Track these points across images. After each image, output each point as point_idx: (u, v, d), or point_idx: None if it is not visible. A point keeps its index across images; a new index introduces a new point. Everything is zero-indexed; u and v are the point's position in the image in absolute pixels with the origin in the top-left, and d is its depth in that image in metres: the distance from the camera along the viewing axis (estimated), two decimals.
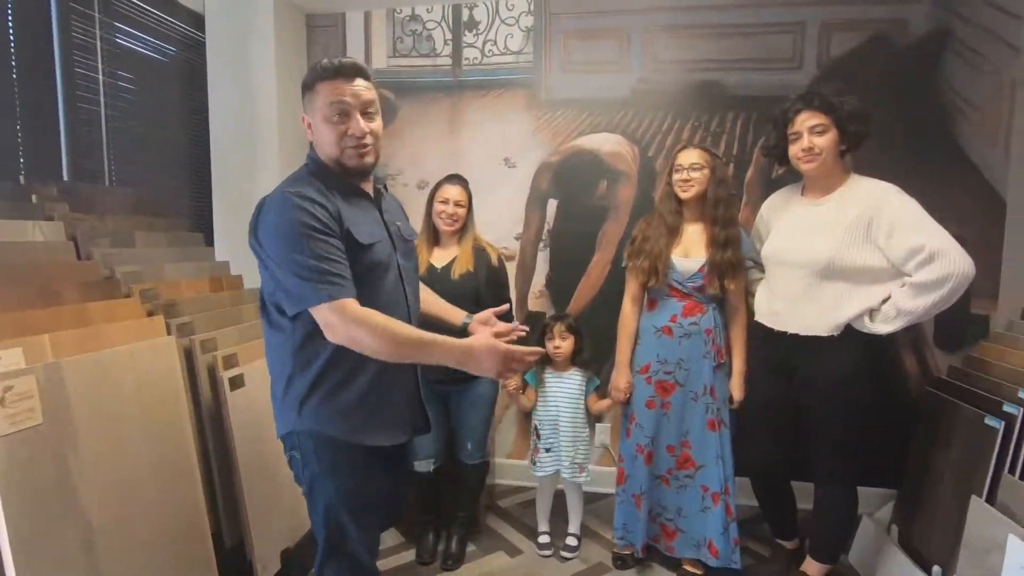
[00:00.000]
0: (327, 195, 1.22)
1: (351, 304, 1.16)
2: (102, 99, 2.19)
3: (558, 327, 2.15)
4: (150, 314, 1.76)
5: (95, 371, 1.47)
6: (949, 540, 1.71)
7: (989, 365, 1.90)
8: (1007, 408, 1.65)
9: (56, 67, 2.02)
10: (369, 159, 1.27)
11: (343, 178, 1.29)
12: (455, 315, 1.56)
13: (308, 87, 1.25)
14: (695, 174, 1.89)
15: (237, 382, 1.85)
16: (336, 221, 1.20)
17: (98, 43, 2.17)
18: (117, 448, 1.51)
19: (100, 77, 2.18)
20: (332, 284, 1.15)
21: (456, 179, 2.11)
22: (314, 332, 1.21)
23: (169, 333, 1.76)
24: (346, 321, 1.15)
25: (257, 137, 2.63)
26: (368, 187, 1.35)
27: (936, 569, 1.74)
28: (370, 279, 1.25)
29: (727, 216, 1.90)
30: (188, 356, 1.81)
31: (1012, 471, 1.58)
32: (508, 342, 1.31)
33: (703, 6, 2.52)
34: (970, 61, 2.35)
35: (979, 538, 1.43)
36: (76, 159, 2.09)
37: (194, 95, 2.65)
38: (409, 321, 1.32)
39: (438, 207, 2.07)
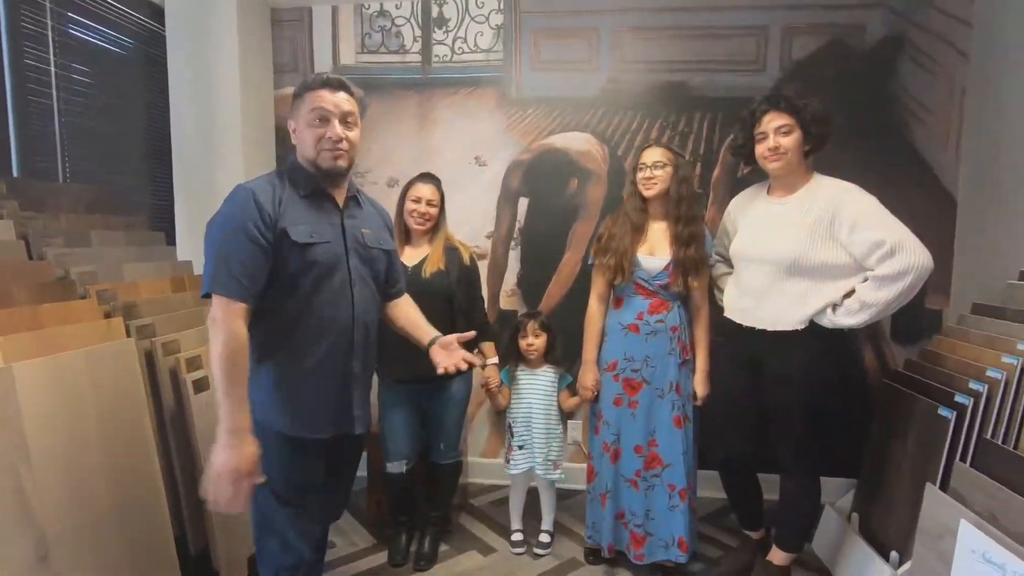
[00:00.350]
0: (277, 190, 1.32)
1: (237, 308, 1.24)
2: (55, 92, 2.10)
3: (531, 324, 2.16)
4: (108, 316, 1.70)
5: (49, 375, 1.42)
6: (906, 526, 1.77)
7: (942, 358, 1.97)
8: (959, 399, 1.72)
9: (4, 58, 1.93)
10: (342, 163, 1.36)
11: (313, 180, 1.37)
12: (423, 334, 1.56)
13: (297, 96, 1.37)
14: (658, 172, 1.91)
15: (201, 385, 1.80)
16: (270, 226, 1.27)
17: (50, 34, 2.08)
18: (74, 455, 1.45)
19: (52, 69, 2.09)
20: (227, 284, 1.23)
21: (428, 178, 2.09)
22: (251, 323, 1.28)
23: (129, 335, 1.71)
24: (223, 320, 1.23)
25: (219, 134, 2.56)
26: (339, 193, 1.42)
27: (893, 554, 1.80)
28: (309, 277, 1.33)
29: (690, 214, 1.93)
30: (149, 359, 1.75)
31: (964, 459, 1.66)
32: (457, 368, 1.46)
33: (671, 8, 2.56)
34: (924, 66, 2.45)
35: (933, 524, 1.49)
36: (27, 154, 2.00)
37: (154, 89, 2.56)
38: (353, 322, 1.38)
39: (410, 205, 2.05)
